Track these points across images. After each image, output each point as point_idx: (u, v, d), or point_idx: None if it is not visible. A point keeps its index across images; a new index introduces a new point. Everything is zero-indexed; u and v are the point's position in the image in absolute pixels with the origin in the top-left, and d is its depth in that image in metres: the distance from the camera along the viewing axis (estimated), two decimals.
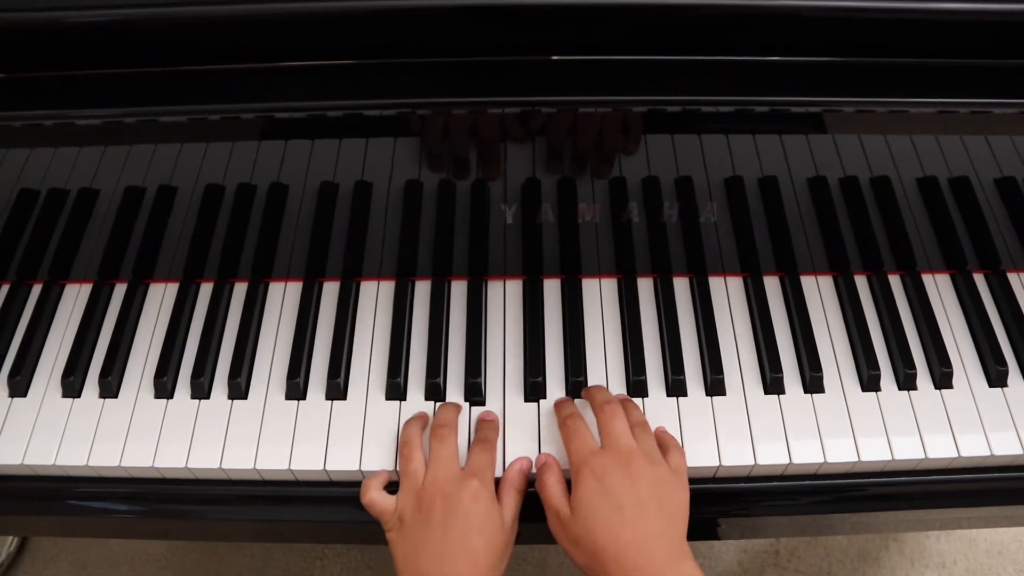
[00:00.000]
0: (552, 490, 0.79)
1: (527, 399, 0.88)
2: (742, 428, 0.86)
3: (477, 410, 0.88)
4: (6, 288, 0.99)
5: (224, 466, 0.84)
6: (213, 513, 0.88)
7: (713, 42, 0.79)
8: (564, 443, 0.81)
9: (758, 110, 0.79)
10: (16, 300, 0.97)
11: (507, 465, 0.83)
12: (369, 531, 0.82)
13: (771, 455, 0.84)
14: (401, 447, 0.83)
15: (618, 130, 0.82)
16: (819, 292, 0.96)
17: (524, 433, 0.86)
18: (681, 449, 0.83)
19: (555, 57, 0.79)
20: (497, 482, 0.81)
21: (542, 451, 0.84)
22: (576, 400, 0.87)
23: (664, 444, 0.82)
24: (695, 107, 0.78)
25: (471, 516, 0.76)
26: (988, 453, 0.84)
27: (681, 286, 0.96)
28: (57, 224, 0.93)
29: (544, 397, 0.88)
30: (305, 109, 0.79)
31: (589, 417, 0.84)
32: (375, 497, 0.80)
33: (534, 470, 0.83)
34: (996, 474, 0.87)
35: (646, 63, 0.79)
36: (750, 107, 0.79)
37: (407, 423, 0.85)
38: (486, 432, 0.85)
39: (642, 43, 0.79)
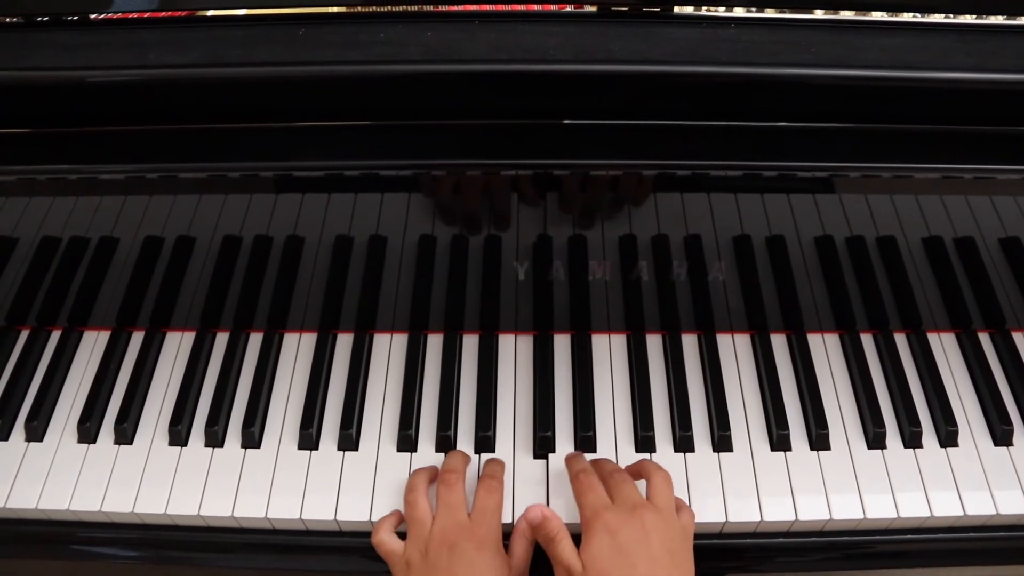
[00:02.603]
0: (561, 545, 0.79)
1: (536, 453, 0.89)
2: (748, 484, 0.86)
3: (487, 456, 0.89)
4: (26, 333, 1.00)
5: (236, 514, 0.85)
6: (222, 561, 0.89)
7: (721, 108, 0.81)
8: (576, 497, 0.81)
9: (766, 174, 0.81)
10: (35, 345, 0.99)
11: (516, 516, 0.83)
12: None
13: (777, 511, 0.85)
14: (406, 494, 0.84)
15: (628, 191, 0.84)
16: (825, 350, 0.97)
17: (533, 485, 0.87)
18: (692, 511, 0.83)
19: (566, 121, 0.81)
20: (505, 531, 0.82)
21: (550, 504, 0.85)
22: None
23: (676, 505, 0.82)
24: (703, 171, 0.80)
25: (477, 566, 0.77)
26: (994, 512, 0.85)
27: (689, 343, 0.97)
28: (77, 272, 0.95)
29: (553, 451, 0.89)
30: (323, 168, 0.81)
31: None
32: (384, 538, 0.81)
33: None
34: (1004, 533, 0.87)
35: (655, 128, 0.81)
36: (758, 171, 0.80)
37: (414, 472, 0.86)
38: (492, 468, 0.85)
39: (650, 108, 0.81)
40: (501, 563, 0.78)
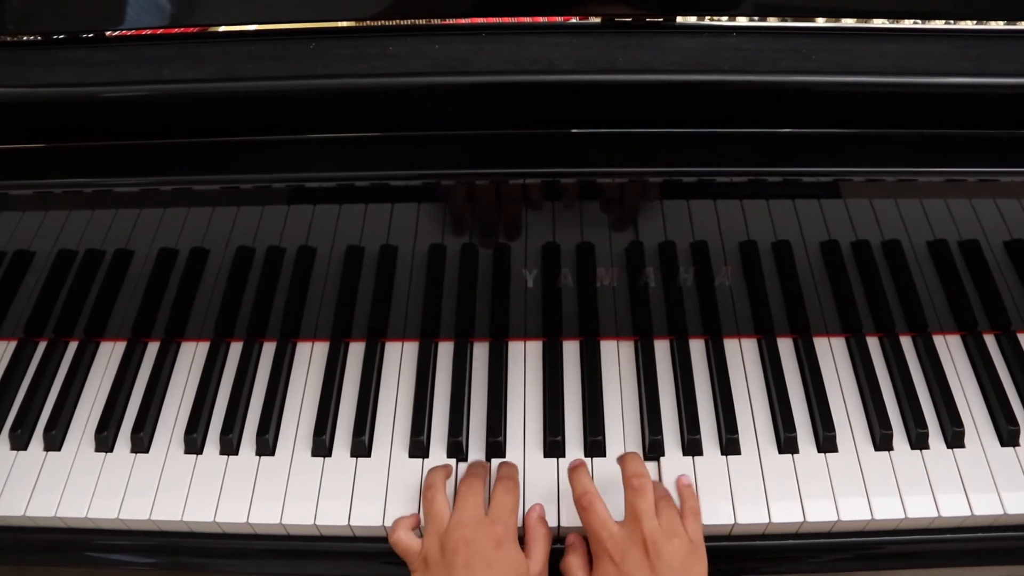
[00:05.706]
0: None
1: (546, 457, 0.90)
2: (756, 486, 0.87)
3: (497, 462, 0.90)
4: (43, 345, 1.02)
5: (251, 521, 0.86)
6: (237, 567, 0.90)
7: (725, 116, 0.82)
8: (582, 522, 0.82)
9: (771, 180, 0.82)
10: (53, 357, 1.00)
11: (525, 515, 0.85)
12: None
13: (785, 513, 0.85)
14: (424, 490, 0.85)
15: (635, 198, 0.85)
16: (832, 353, 0.98)
17: (543, 490, 0.87)
18: (699, 514, 0.83)
19: (574, 130, 0.82)
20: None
21: (561, 509, 0.86)
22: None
23: (683, 503, 0.83)
24: (709, 178, 0.81)
25: (495, 564, 0.77)
26: (1001, 512, 0.85)
27: (697, 347, 0.98)
28: (93, 284, 0.96)
29: (563, 456, 0.90)
30: (334, 179, 0.82)
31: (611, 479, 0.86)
32: (402, 536, 0.82)
33: (551, 522, 0.85)
34: (1012, 532, 0.88)
35: (660, 135, 0.82)
36: (763, 177, 0.81)
37: (431, 469, 0.87)
38: (508, 470, 0.86)
39: (656, 117, 0.82)
40: (519, 561, 0.79)
